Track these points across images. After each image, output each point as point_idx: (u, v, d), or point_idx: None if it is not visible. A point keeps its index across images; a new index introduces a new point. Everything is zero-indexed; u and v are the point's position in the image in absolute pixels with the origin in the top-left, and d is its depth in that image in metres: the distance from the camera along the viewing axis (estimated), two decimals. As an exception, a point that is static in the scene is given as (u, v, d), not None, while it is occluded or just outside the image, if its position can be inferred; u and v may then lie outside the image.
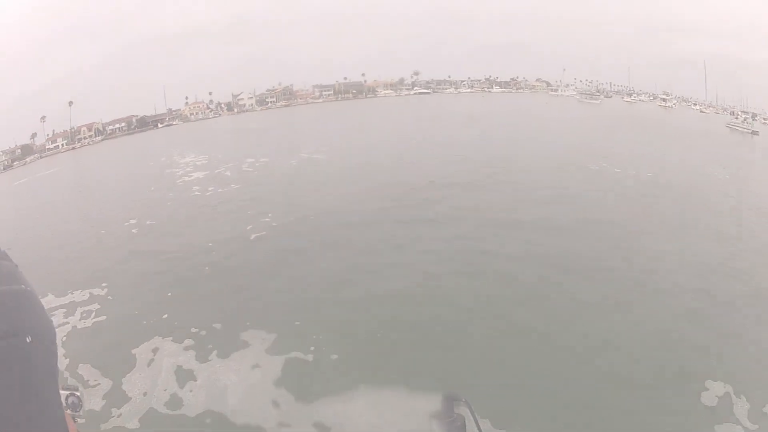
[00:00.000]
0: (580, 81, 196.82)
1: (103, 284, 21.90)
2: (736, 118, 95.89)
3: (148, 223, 31.39)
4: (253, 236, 26.44)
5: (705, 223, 27.28)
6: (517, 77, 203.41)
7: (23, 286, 1.05)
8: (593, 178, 35.92)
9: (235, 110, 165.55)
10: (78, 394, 1.45)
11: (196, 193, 37.88)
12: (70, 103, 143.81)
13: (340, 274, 21.00)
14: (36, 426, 0.93)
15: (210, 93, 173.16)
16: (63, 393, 1.16)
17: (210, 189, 38.33)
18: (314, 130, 79.71)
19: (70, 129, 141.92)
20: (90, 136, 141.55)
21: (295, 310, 17.87)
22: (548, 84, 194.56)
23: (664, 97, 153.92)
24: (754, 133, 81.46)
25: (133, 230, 30.23)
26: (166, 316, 18.21)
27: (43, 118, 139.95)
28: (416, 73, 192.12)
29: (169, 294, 19.85)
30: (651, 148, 51.05)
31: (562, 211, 28.28)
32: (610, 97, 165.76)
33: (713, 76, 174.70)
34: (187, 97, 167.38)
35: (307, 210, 30.03)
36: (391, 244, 24.19)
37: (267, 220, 28.72)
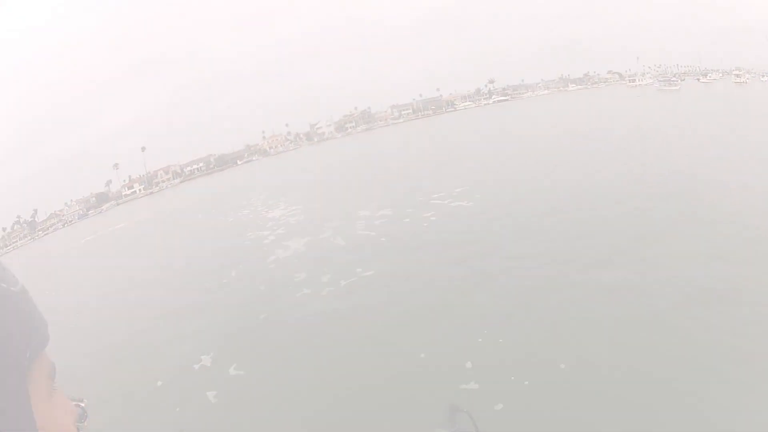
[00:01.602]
0: (649, 67, 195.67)
1: None
2: None
3: (232, 372, 16.77)
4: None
5: None
6: (589, 72, 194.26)
7: (3, 284, 1.04)
8: None
9: (315, 139, 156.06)
10: (83, 405, 1.22)
11: (304, 290, 22.70)
12: (143, 148, 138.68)
13: None
14: None
15: (287, 125, 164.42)
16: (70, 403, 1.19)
17: (324, 279, 23.30)
18: (420, 160, 63.00)
19: (146, 173, 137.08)
20: (168, 179, 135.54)
21: None
22: (620, 75, 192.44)
23: (737, 73, 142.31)
24: None
25: (210, 396, 15.55)
26: None
27: (116, 165, 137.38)
28: (491, 82, 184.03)
29: None
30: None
31: None
32: (683, 80, 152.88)
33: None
34: (263, 131, 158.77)
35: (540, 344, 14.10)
36: None
37: (482, 387, 12.32)
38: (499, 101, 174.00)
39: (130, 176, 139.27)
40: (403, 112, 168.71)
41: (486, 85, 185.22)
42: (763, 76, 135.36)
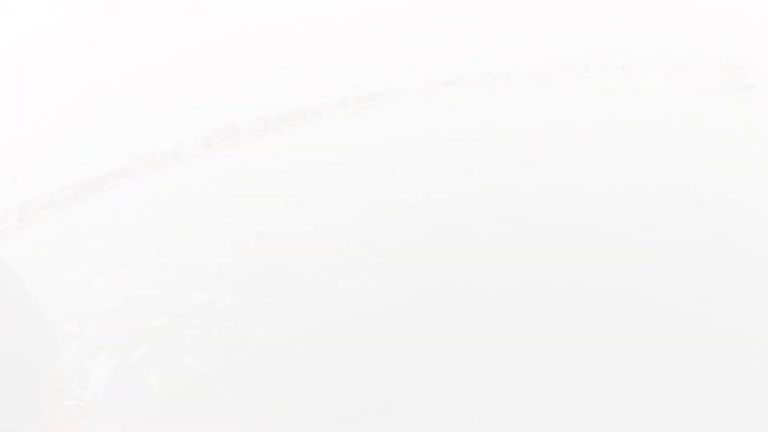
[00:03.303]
0: (525, 65, 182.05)
1: None
2: (730, 75, 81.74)
3: None
4: None
5: None
6: (457, 73, 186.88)
7: (21, 291, 1.09)
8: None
9: (180, 157, 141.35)
10: (82, 404, 1.27)
11: None
12: (15, 176, 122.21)
13: None
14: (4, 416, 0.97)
15: (154, 143, 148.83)
16: (67, 403, 1.23)
17: None
18: (294, 197, 46.56)
19: (17, 206, 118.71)
20: (38, 210, 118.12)
21: None
22: (491, 75, 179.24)
23: (623, 65, 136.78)
24: (749, 87, 67.20)
25: None
26: None
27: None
28: (357, 88, 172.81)
29: None
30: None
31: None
32: (560, 75, 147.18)
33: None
34: (130, 151, 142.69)
35: None
36: None
37: None
38: (366, 106, 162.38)
39: (6, 208, 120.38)
40: (268, 124, 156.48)
41: (352, 92, 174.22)
42: (648, 66, 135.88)
